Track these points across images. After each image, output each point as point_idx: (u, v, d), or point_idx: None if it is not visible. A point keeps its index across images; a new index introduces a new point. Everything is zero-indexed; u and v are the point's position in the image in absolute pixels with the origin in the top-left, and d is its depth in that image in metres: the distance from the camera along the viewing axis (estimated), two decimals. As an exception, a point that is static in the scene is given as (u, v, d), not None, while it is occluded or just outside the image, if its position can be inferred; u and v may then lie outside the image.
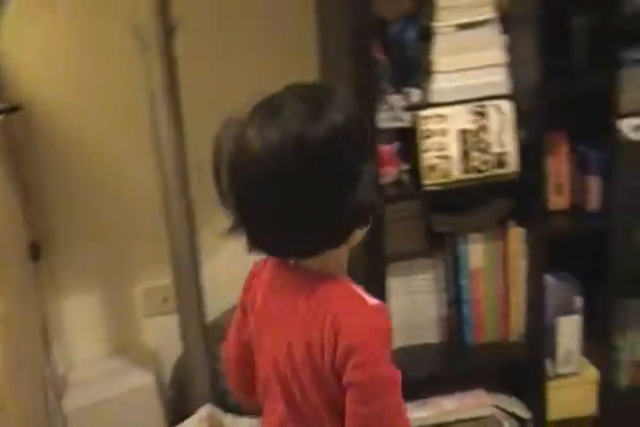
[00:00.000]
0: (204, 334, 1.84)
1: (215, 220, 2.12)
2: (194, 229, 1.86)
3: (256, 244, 1.09)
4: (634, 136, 2.04)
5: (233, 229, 1.09)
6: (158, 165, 1.84)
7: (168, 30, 1.77)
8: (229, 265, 2.13)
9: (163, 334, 2.06)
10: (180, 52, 1.84)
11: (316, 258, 1.10)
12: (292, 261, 1.14)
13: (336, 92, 1.07)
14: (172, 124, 1.81)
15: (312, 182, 1.01)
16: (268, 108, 1.04)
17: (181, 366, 1.94)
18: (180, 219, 1.82)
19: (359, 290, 1.12)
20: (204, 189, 1.98)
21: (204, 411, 1.74)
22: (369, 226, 1.09)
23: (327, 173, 1.02)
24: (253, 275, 1.21)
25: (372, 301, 1.10)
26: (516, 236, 1.98)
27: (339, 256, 1.12)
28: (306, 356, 1.09)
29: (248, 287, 1.22)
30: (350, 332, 1.06)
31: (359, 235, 1.10)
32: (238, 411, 1.77)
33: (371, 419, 1.07)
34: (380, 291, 1.88)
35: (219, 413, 1.75)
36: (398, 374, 1.09)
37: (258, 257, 1.19)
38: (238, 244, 2.18)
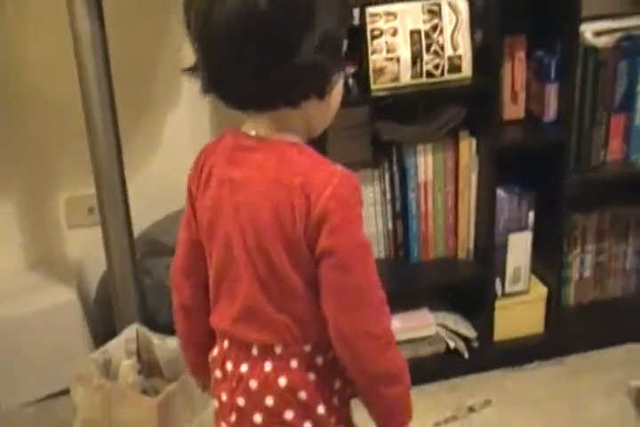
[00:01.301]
0: (130, 248, 1.70)
1: (141, 128, 2.01)
2: (117, 135, 1.70)
3: (215, 84, 1.05)
4: (595, 42, 1.92)
5: (193, 68, 1.06)
6: (79, 68, 1.66)
7: None
8: (157, 177, 2.03)
9: (87, 248, 1.93)
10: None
11: (276, 122, 1.06)
12: (252, 132, 1.08)
13: None
14: (92, 23, 1.61)
15: (266, 31, 0.98)
16: None
17: (107, 282, 1.81)
18: (102, 124, 1.66)
19: (323, 157, 1.07)
20: (129, 94, 1.87)
21: (131, 330, 1.63)
22: (325, 97, 1.05)
23: (284, 26, 0.99)
24: (205, 155, 1.14)
25: (339, 166, 1.05)
26: (468, 147, 1.87)
27: (298, 123, 1.08)
28: (273, 222, 1.04)
29: (197, 172, 1.14)
30: (324, 196, 1.01)
31: (317, 108, 1.06)
32: (167, 330, 1.66)
33: (348, 289, 1.04)
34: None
35: (146, 332, 1.64)
36: (369, 242, 1.06)
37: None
38: (164, 155, 2.08)
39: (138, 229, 1.87)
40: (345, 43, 1.06)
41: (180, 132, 2.03)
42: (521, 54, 1.90)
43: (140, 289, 1.75)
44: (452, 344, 1.92)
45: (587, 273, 2.10)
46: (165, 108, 2.01)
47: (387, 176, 1.88)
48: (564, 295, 2.08)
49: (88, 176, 1.75)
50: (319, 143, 1.71)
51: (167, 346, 1.61)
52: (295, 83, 1.01)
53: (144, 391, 1.58)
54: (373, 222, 1.90)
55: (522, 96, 1.93)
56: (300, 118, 1.07)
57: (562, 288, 2.06)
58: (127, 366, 1.57)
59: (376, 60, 1.73)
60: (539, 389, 1.93)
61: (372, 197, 1.88)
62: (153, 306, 1.78)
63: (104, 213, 1.70)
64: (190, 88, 1.97)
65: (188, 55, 2.13)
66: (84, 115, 1.70)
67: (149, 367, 1.63)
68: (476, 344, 1.94)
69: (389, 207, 1.89)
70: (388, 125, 1.87)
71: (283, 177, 1.03)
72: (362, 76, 1.74)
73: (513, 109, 1.93)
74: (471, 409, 1.84)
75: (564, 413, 1.86)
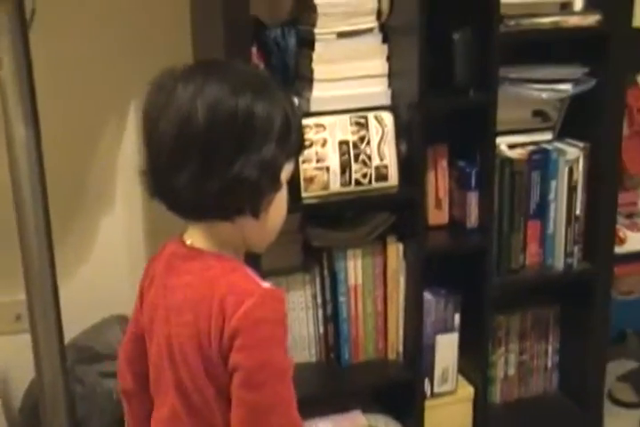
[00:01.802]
0: (61, 356, 1.68)
1: (74, 233, 2.02)
2: (50, 241, 1.70)
3: (157, 191, 1.10)
4: (510, 154, 2.05)
5: (142, 173, 1.11)
6: (12, 171, 1.68)
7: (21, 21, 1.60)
8: (88, 282, 2.03)
9: (13, 355, 1.89)
10: (35, 39, 1.67)
11: (212, 234, 1.10)
12: (188, 242, 1.12)
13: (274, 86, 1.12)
14: (27, 128, 1.63)
15: (203, 144, 1.04)
16: (208, 68, 1.10)
17: (34, 391, 1.77)
18: (34, 229, 1.66)
19: (252, 273, 1.09)
20: (62, 198, 1.89)
21: (61, 441, 1.59)
22: (258, 216, 1.08)
23: (220, 141, 1.04)
24: (152, 260, 1.19)
25: (266, 284, 1.07)
26: (395, 251, 1.94)
27: (234, 237, 1.11)
28: (194, 338, 1.06)
29: (146, 274, 1.18)
30: (238, 313, 1.03)
31: (252, 225, 1.10)
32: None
33: (258, 408, 1.03)
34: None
35: (77, 443, 1.61)
36: (289, 364, 1.06)
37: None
38: (97, 260, 2.09)
39: (68, 336, 1.84)
40: (286, 167, 1.11)
41: (113, 237, 2.06)
42: (443, 163, 2.01)
43: (70, 397, 1.72)
44: (383, 446, 1.93)
45: (511, 372, 2.16)
46: (99, 213, 2.04)
47: (317, 280, 1.92)
48: (490, 394, 2.13)
49: (16, 282, 1.73)
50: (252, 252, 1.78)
51: (99, 456, 1.58)
52: (227, 197, 1.05)
53: None
54: (305, 326, 1.93)
55: (445, 203, 2.03)
56: (235, 233, 1.11)
57: (488, 387, 2.11)
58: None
59: (306, 169, 1.80)
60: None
61: (303, 302, 1.92)
62: (83, 414, 1.75)
63: (34, 320, 1.67)
64: (124, 192, 2.03)
65: (122, 158, 2.18)
66: (15, 218, 1.69)
67: (80, 479, 1.59)
68: (407, 445, 1.96)
69: (320, 311, 1.93)
70: (319, 231, 1.94)
71: (206, 291, 1.06)
72: (293, 185, 1.82)
73: (437, 215, 2.03)
74: None
75: None
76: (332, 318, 1.93)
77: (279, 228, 1.17)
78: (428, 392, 1.97)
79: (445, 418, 1.99)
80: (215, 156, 1.04)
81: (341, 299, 1.92)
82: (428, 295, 1.96)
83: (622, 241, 2.30)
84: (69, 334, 1.84)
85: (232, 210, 1.08)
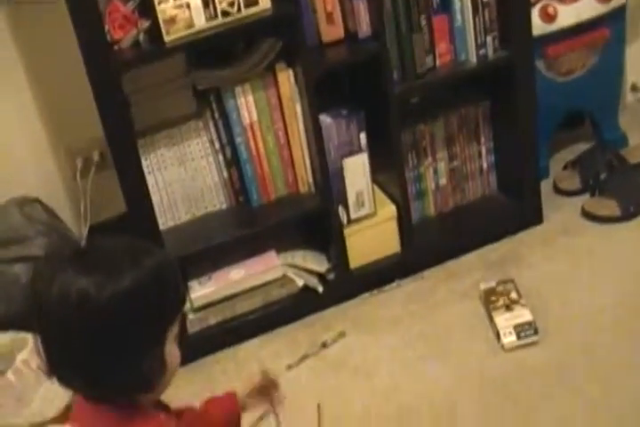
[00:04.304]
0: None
1: None
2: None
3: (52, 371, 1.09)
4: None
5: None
6: None
7: None
8: None
9: None
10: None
11: None
12: None
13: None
14: None
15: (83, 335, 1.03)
16: (77, 258, 1.07)
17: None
18: None
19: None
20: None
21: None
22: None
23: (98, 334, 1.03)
24: None
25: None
26: (287, 78, 1.81)
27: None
28: None
29: None
30: None
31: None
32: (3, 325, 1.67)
33: None
34: (135, 170, 1.73)
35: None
36: None
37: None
38: None
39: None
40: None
41: (5, 119, 1.98)
42: (326, -26, 1.82)
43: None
44: (300, 282, 1.90)
45: (442, 181, 2.07)
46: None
47: (211, 125, 1.83)
48: (423, 208, 2.07)
49: None
50: (120, 112, 1.67)
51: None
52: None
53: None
54: (208, 174, 1.87)
55: (337, 16, 1.85)
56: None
57: (417, 202, 2.05)
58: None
59: (164, 9, 1.65)
60: (396, 308, 1.92)
61: (201, 150, 1.85)
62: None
63: None
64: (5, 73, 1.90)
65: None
66: None
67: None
68: (331, 276, 1.93)
69: (221, 156, 1.85)
70: (204, 73, 1.81)
71: None
72: (153, 30, 1.68)
73: (331, 31, 1.85)
74: (324, 345, 1.83)
75: (420, 326, 1.86)
76: (234, 160, 1.86)
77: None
78: (345, 219, 1.91)
79: (370, 241, 1.95)
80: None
81: (238, 140, 1.84)
82: (327, 118, 1.85)
83: (552, 18, 2.11)
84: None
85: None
